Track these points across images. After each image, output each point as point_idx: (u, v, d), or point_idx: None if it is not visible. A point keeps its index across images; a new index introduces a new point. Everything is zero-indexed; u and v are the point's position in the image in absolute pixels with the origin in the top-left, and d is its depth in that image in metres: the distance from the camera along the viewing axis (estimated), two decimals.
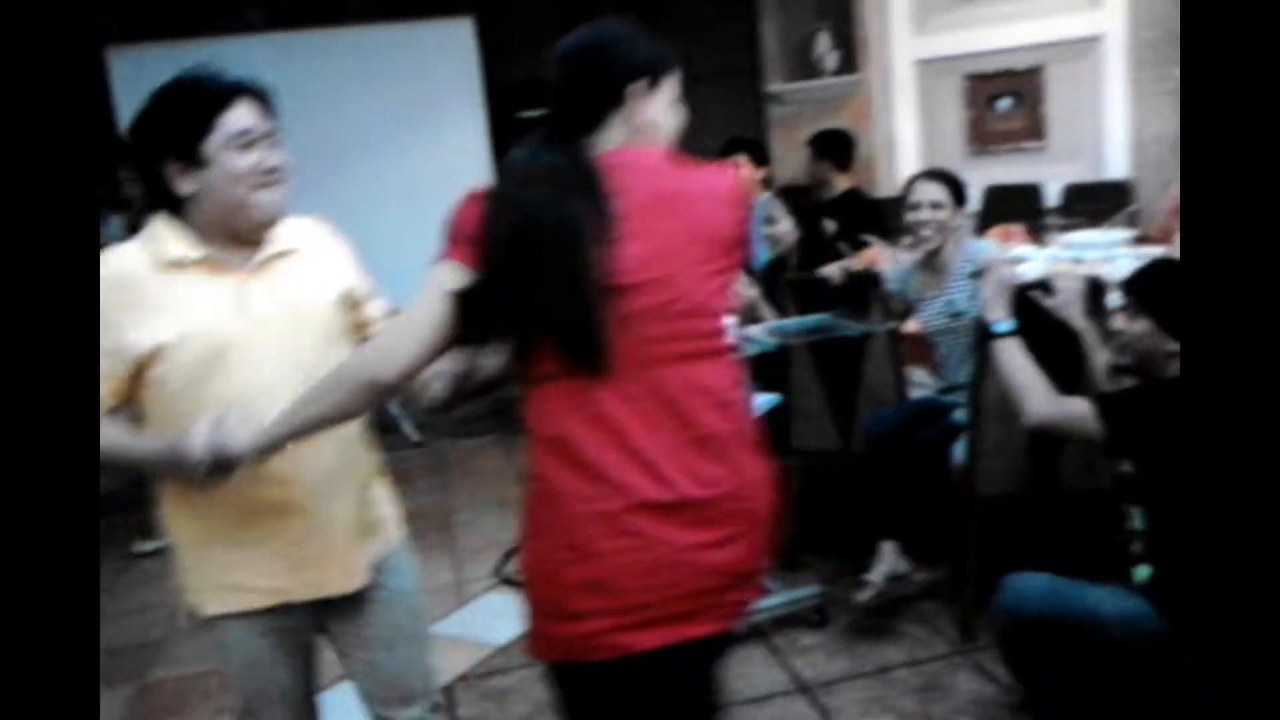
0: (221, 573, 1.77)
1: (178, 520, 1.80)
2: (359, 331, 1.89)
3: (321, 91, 5.18)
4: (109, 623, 3.73)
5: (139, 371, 1.67)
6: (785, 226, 3.57)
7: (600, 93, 1.56)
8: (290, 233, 1.84)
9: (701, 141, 5.92)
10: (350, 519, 1.84)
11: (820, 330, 3.02)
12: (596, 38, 1.61)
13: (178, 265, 1.70)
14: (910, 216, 3.10)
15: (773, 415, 3.50)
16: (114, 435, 1.64)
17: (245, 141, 1.74)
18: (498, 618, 3.48)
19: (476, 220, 1.53)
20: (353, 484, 1.86)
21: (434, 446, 5.58)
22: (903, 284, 3.21)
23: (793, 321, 3.17)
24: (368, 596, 1.88)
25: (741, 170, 4.59)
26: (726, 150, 4.65)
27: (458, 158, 5.60)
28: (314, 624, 1.89)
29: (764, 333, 2.99)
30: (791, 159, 5.30)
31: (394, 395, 1.64)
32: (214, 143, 1.71)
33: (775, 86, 5.54)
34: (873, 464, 3.07)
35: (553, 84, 1.63)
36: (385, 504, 1.99)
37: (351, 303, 1.89)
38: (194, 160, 1.70)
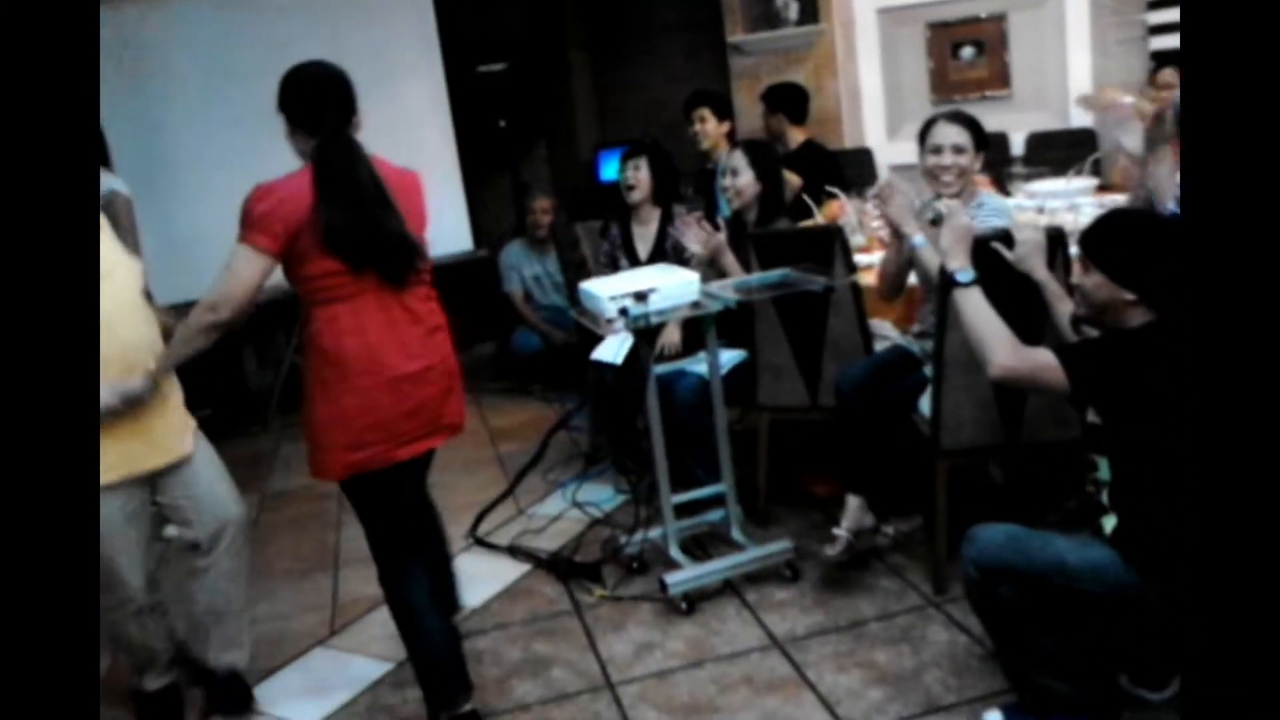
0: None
1: None
2: None
3: (275, 48, 5.05)
4: None
5: None
6: (746, 179, 3.54)
7: (353, 107, 2.51)
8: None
9: (666, 93, 5.88)
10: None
11: (783, 285, 3.01)
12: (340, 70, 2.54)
13: None
14: (931, 160, 2.98)
15: (739, 371, 3.51)
16: None
17: None
18: (471, 580, 3.46)
19: (277, 208, 2.30)
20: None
21: None
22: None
23: (755, 277, 3.16)
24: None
25: (705, 124, 4.56)
26: (689, 104, 4.61)
27: (417, 113, 5.52)
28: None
29: (726, 289, 2.98)
30: (755, 111, 5.26)
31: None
32: None
33: (737, 38, 5.48)
34: (841, 418, 3.08)
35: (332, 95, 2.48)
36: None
37: None
38: None
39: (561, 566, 3.43)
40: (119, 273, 2.52)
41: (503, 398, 5.49)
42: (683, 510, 3.31)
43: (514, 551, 3.61)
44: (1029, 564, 2.08)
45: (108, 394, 2.36)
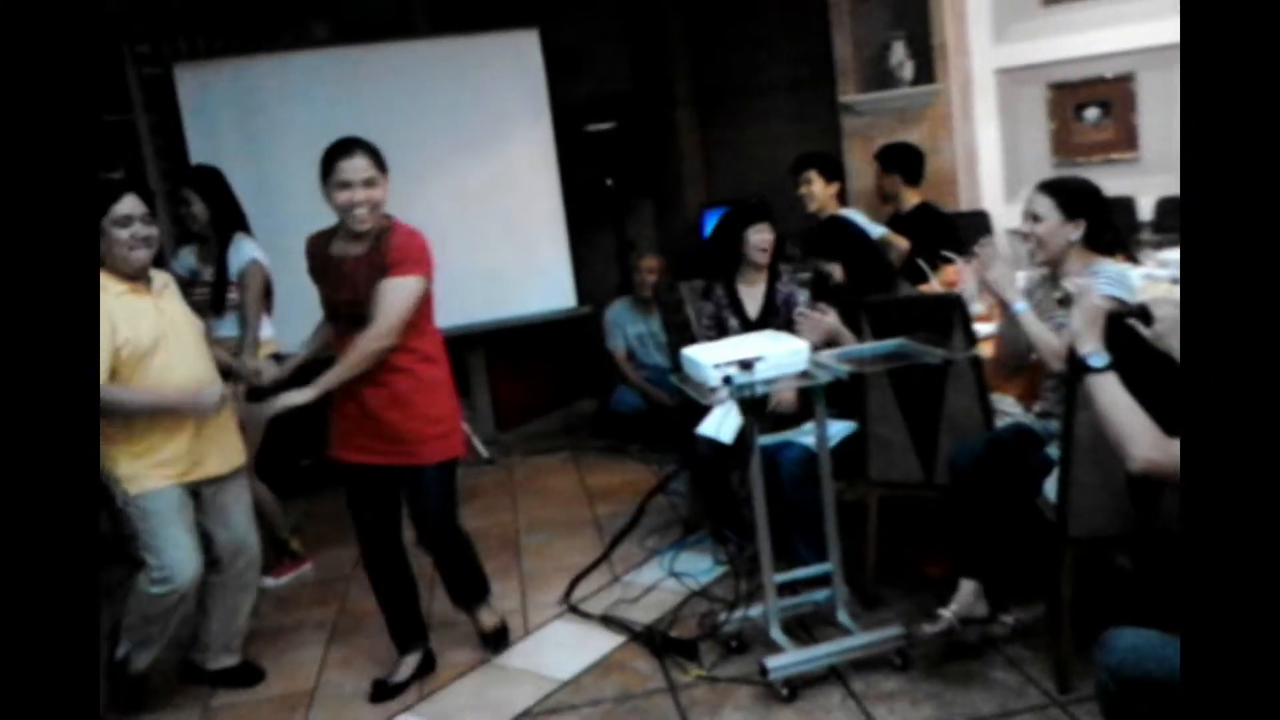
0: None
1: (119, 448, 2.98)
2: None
3: (388, 105, 5.16)
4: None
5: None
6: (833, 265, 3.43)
7: None
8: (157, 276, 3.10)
9: (774, 152, 5.79)
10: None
11: (898, 356, 2.87)
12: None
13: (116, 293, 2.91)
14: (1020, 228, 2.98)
15: (849, 443, 3.36)
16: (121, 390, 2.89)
17: (122, 220, 2.88)
18: (563, 649, 3.38)
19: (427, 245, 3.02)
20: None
21: (504, 464, 5.51)
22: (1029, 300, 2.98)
23: (868, 346, 3.02)
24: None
25: (813, 186, 4.45)
26: (797, 166, 4.51)
27: (525, 170, 5.54)
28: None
29: (836, 359, 2.85)
30: (867, 172, 5.13)
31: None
32: (106, 221, 2.86)
33: (849, 97, 5.38)
34: (956, 498, 2.91)
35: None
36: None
37: None
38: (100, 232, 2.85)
39: (656, 641, 3.30)
40: (182, 326, 3.10)
41: (602, 457, 5.40)
42: (786, 588, 3.16)
43: (607, 622, 3.49)
44: (1174, 678, 1.88)
45: (185, 398, 2.99)
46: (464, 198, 5.40)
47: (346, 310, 2.97)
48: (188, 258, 4.12)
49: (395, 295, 2.88)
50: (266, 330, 4.05)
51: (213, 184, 4.03)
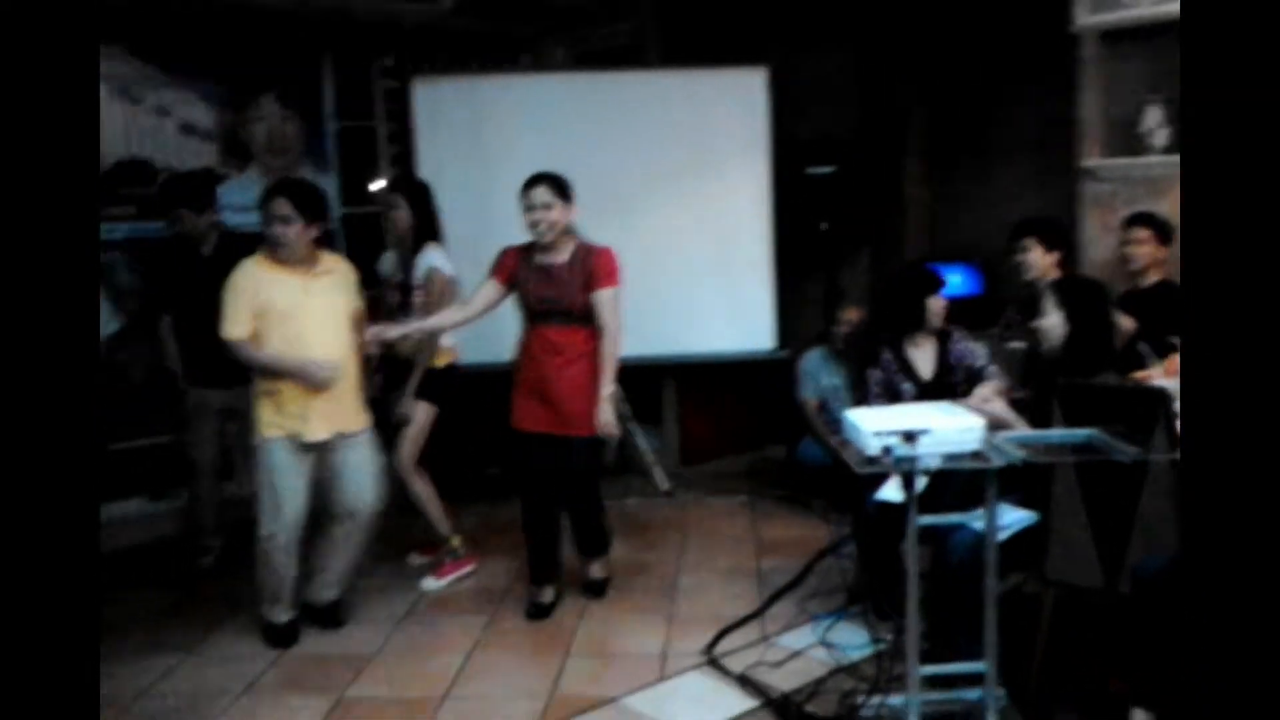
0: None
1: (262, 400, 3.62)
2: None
3: (610, 131, 5.22)
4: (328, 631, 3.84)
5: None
6: (1052, 320, 3.13)
7: None
8: (329, 260, 3.72)
9: (1006, 211, 5.43)
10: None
11: (1085, 449, 2.58)
12: None
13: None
14: None
15: (1026, 536, 3.07)
16: (247, 347, 3.57)
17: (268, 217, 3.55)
18: (694, 703, 3.25)
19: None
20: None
21: (681, 499, 5.43)
22: None
23: (1056, 433, 2.74)
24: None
25: (1029, 254, 4.15)
26: (1015, 232, 4.22)
27: (739, 206, 5.47)
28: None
29: (1011, 444, 2.59)
30: (1106, 242, 4.73)
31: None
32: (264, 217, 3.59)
33: (1092, 162, 4.99)
34: (1138, 614, 2.59)
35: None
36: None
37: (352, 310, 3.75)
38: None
39: (791, 713, 3.11)
40: (324, 307, 3.61)
41: (780, 507, 5.23)
42: (938, 681, 2.91)
43: (745, 682, 3.33)
44: None
45: (311, 365, 3.55)
46: (675, 228, 5.40)
47: (546, 307, 3.77)
48: (388, 261, 4.36)
49: (614, 304, 3.75)
50: (448, 339, 4.19)
51: (421, 195, 4.26)
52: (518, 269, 3.81)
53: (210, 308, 4.17)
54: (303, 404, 3.58)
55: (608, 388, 3.76)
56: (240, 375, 4.27)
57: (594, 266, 3.73)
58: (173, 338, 4.43)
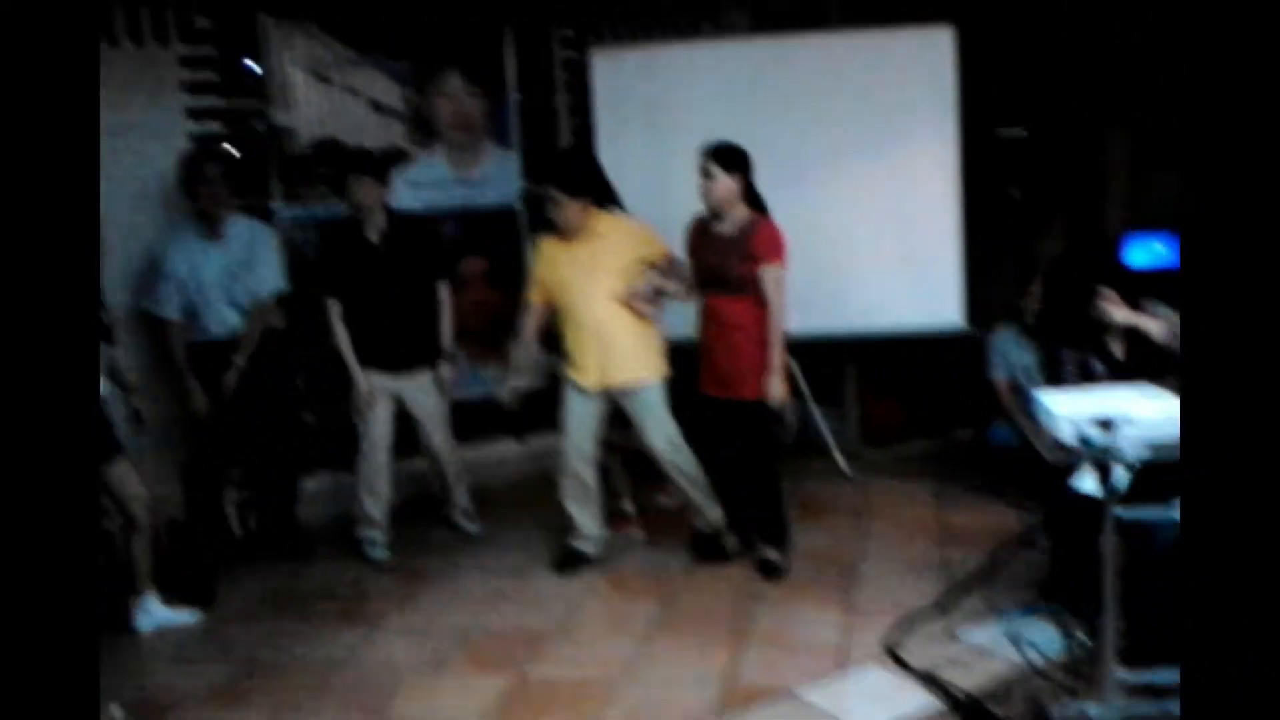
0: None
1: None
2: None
3: (789, 96, 5.08)
4: (503, 605, 3.91)
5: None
6: None
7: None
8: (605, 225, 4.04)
9: None
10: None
11: None
12: None
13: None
14: None
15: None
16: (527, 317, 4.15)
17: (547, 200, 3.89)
18: (872, 699, 3.14)
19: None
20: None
21: (863, 483, 5.27)
22: None
23: None
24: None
25: None
26: None
27: (922, 173, 5.21)
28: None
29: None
30: None
31: None
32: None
33: None
34: None
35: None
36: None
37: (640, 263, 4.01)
38: None
39: (977, 716, 2.96)
40: (590, 272, 3.96)
41: (968, 494, 4.99)
42: (1140, 689, 2.70)
43: (928, 680, 3.19)
44: None
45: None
46: (856, 196, 5.19)
47: (712, 275, 3.91)
48: None
49: (777, 282, 3.84)
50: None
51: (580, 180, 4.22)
52: (696, 238, 4.01)
53: (377, 294, 4.28)
54: (579, 354, 4.04)
55: (774, 361, 3.84)
56: (408, 360, 4.39)
57: (754, 240, 3.84)
58: (341, 322, 4.38)
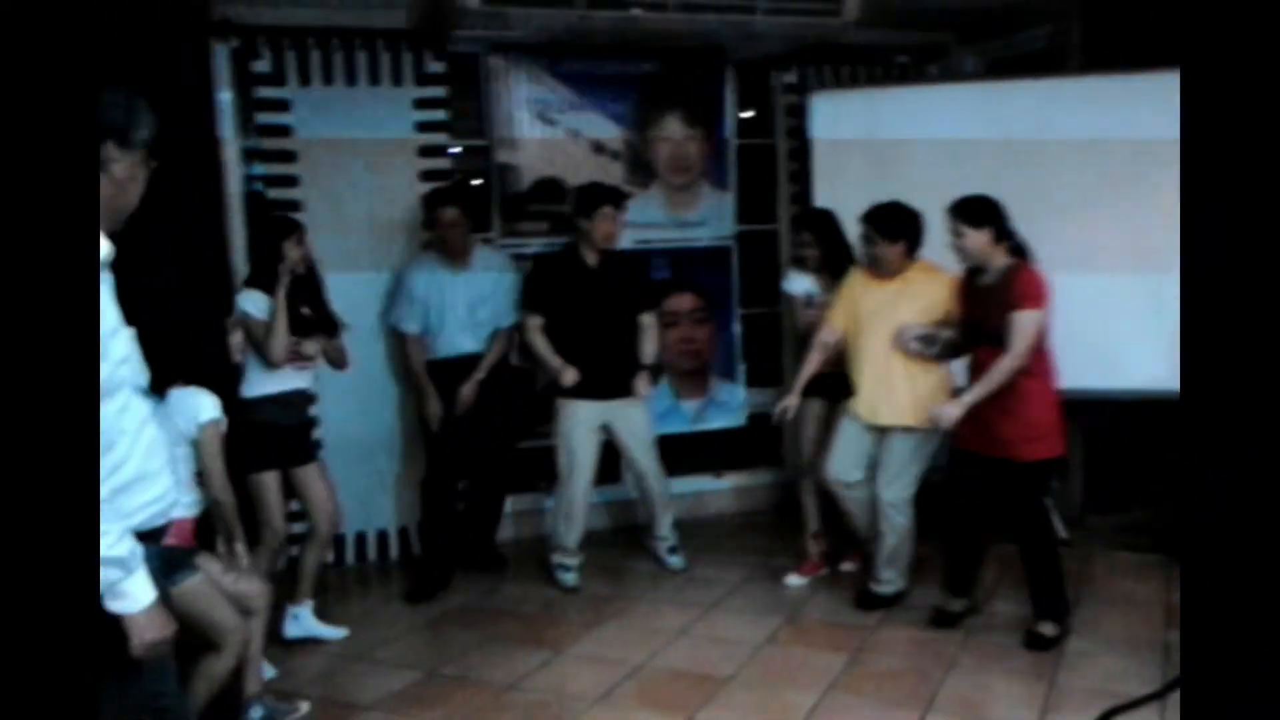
0: None
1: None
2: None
3: (1027, 143, 4.81)
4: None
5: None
6: None
7: None
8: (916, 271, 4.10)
9: None
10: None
11: None
12: None
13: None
14: None
15: None
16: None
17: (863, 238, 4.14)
18: None
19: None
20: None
21: (1081, 551, 4.89)
22: None
23: None
24: None
25: None
26: None
27: (1170, 224, 4.80)
28: None
29: None
30: None
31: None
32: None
33: None
34: None
35: None
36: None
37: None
38: None
39: None
40: (882, 317, 4.08)
41: None
42: None
43: None
44: None
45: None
46: (1091, 248, 4.83)
47: (977, 328, 3.83)
48: (801, 280, 4.50)
49: (1025, 328, 3.67)
50: None
51: (825, 225, 4.45)
52: (963, 290, 3.96)
53: (590, 318, 4.39)
54: (860, 385, 4.12)
55: (973, 394, 3.74)
56: (618, 386, 4.46)
57: (1014, 287, 3.73)
58: (541, 334, 4.46)
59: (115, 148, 1.89)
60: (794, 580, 4.49)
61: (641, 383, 4.47)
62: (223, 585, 3.01)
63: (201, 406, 3.10)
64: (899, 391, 4.06)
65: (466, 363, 4.57)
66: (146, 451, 1.91)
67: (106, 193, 1.87)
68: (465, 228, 4.53)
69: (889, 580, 4.19)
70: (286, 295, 3.71)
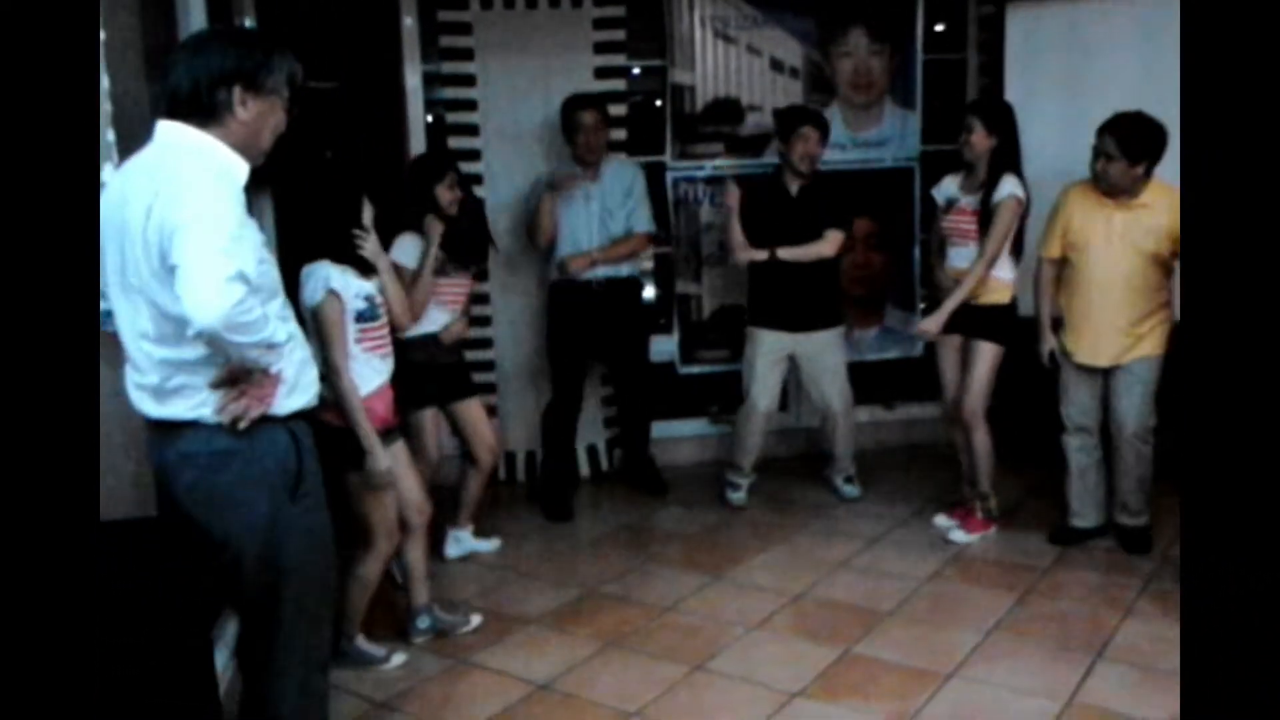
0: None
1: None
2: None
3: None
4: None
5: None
6: None
7: None
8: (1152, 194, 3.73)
9: None
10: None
11: None
12: None
13: None
14: None
15: None
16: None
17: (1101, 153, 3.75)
18: None
19: None
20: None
21: None
22: None
23: None
24: None
25: None
26: None
27: None
28: None
29: None
30: None
31: None
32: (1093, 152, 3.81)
33: None
34: None
35: None
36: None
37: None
38: None
39: None
40: (1109, 241, 3.78)
41: None
42: None
43: None
44: None
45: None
46: None
47: None
48: (950, 185, 4.15)
49: None
50: (1007, 272, 4.01)
51: (1001, 118, 4.00)
52: None
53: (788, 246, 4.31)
54: (1075, 329, 3.88)
55: None
56: (811, 318, 4.40)
57: None
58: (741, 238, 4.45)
59: (242, 90, 2.02)
60: (958, 535, 4.16)
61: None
62: (398, 483, 3.15)
63: (321, 277, 3.00)
64: (1124, 327, 3.79)
65: (595, 285, 4.52)
66: (303, 342, 2.23)
67: (236, 134, 2.02)
68: (604, 133, 4.48)
69: (1140, 511, 3.97)
70: (439, 244, 3.67)
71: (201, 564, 2.11)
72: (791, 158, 4.37)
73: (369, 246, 3.05)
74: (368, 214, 3.06)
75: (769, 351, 4.49)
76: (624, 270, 4.59)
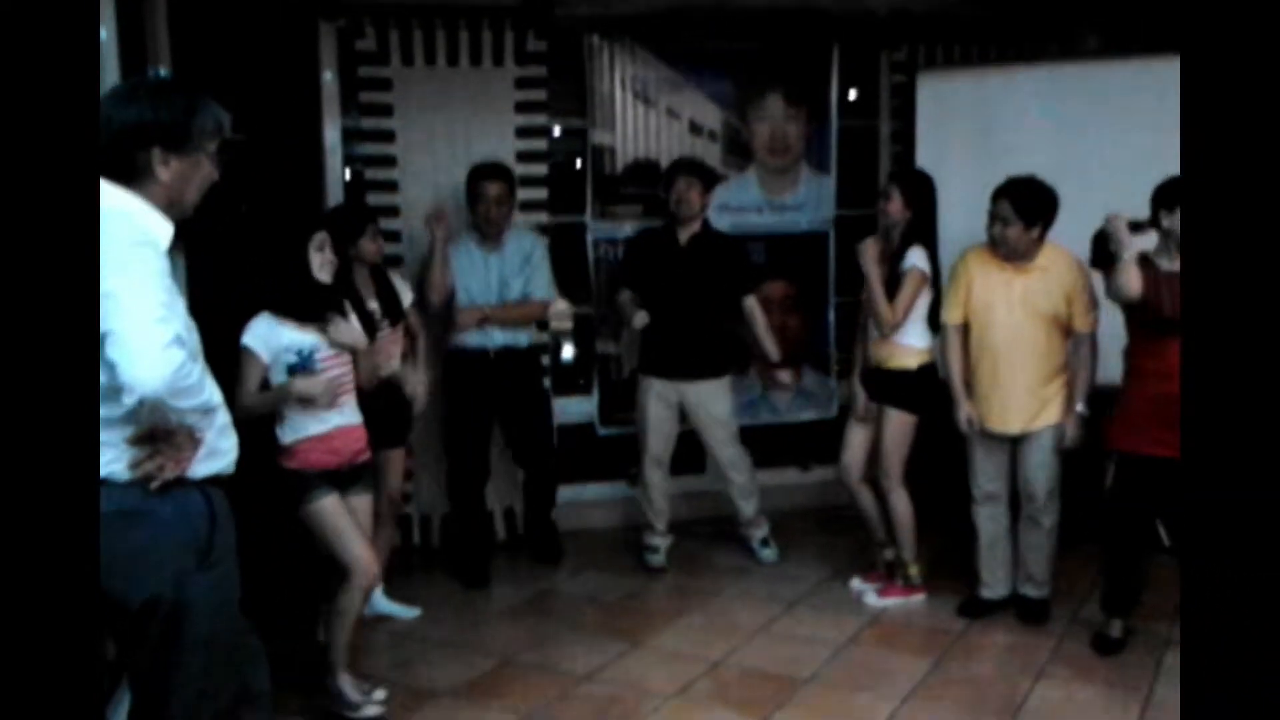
0: None
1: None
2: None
3: (1149, 125, 4.53)
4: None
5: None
6: None
7: None
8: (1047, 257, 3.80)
9: None
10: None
11: None
12: None
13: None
14: None
15: None
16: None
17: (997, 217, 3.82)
18: None
19: None
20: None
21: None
22: None
23: None
24: None
25: None
26: None
27: None
28: None
29: None
30: None
31: None
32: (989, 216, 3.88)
33: None
34: None
35: None
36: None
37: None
38: None
39: None
40: (1010, 307, 3.83)
41: None
42: None
43: None
44: None
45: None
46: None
47: (1155, 318, 3.43)
48: (867, 258, 4.11)
49: None
50: (917, 339, 4.04)
51: (920, 191, 4.05)
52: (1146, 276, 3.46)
53: (675, 296, 4.34)
54: (985, 397, 3.88)
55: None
56: (696, 367, 4.42)
57: None
58: (630, 298, 4.51)
59: (163, 152, 1.98)
60: (873, 600, 4.19)
61: (782, 375, 4.28)
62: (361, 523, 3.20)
63: (249, 329, 3.09)
64: (1028, 391, 3.82)
65: (493, 354, 4.43)
66: (224, 407, 2.16)
67: (158, 195, 1.97)
68: (507, 205, 4.40)
69: (1044, 582, 3.99)
70: (355, 290, 3.66)
71: (101, 631, 2.02)
72: (670, 205, 4.48)
73: (342, 332, 3.14)
74: (326, 268, 3.06)
75: (657, 398, 4.52)
76: (522, 340, 4.52)
